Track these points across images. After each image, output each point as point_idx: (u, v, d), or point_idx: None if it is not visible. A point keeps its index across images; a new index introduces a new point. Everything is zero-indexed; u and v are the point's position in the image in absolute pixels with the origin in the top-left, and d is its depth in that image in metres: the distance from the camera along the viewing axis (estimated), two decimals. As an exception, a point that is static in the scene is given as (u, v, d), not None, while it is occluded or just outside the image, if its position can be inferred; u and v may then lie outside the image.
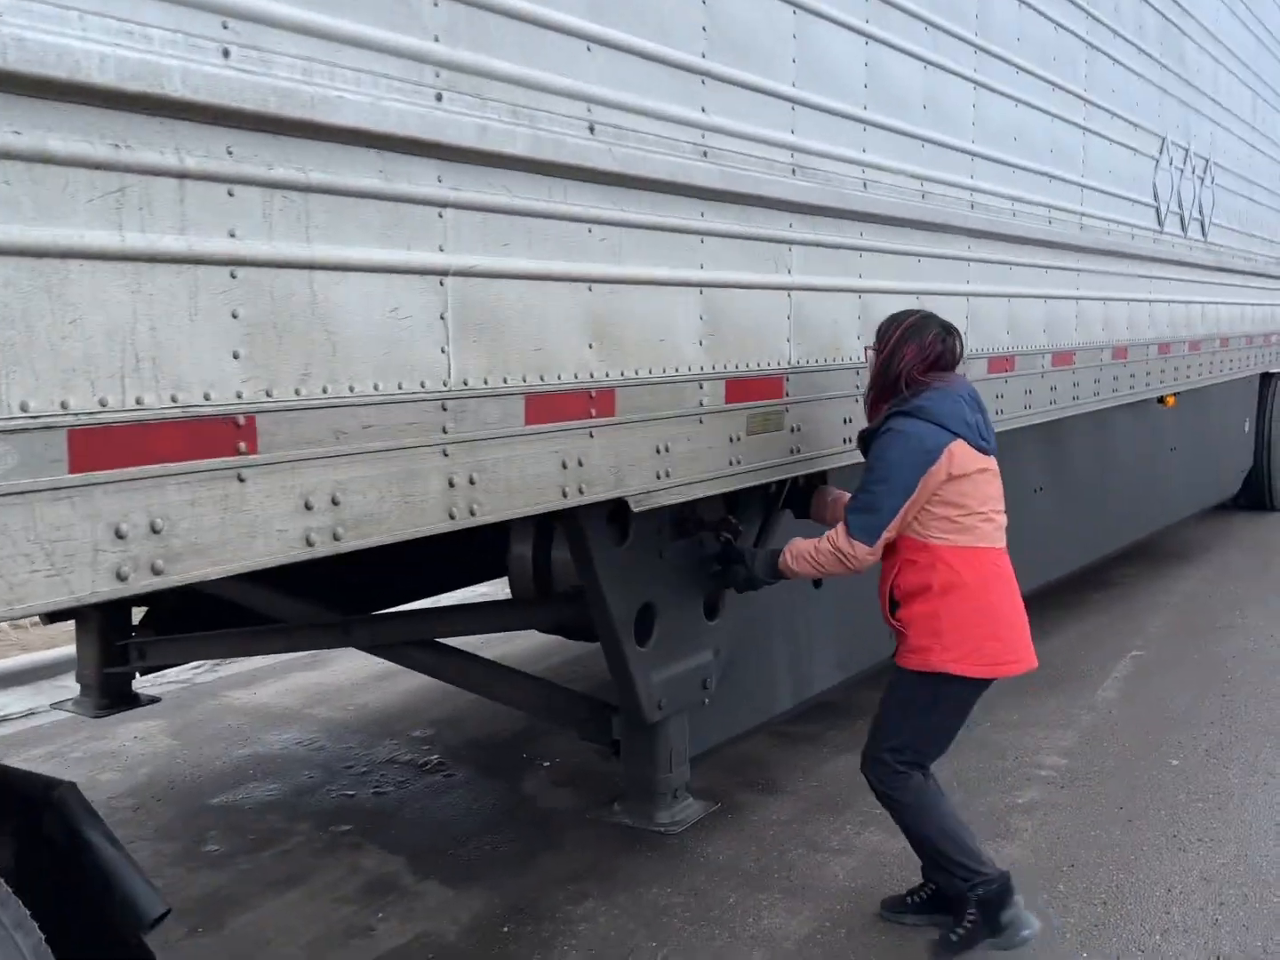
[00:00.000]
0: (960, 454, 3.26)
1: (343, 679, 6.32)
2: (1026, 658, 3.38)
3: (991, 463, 3.37)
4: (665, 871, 4.00)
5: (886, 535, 3.25)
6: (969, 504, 3.27)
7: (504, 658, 6.31)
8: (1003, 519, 3.40)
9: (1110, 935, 3.55)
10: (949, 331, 3.39)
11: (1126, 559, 8.47)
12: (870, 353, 3.47)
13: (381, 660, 6.33)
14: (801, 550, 3.41)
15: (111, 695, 4.81)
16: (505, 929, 3.65)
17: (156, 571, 1.88)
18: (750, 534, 4.01)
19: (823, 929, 3.62)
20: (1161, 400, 7.65)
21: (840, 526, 3.29)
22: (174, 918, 3.75)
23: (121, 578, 1.83)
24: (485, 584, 6.55)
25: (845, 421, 3.93)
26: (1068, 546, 6.84)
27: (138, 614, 4.88)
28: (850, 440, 3.90)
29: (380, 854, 4.20)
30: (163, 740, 5.41)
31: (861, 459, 3.51)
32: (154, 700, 5.12)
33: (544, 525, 4.29)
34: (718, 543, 3.76)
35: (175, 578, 1.91)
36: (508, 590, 4.60)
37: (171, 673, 6.24)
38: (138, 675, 4.93)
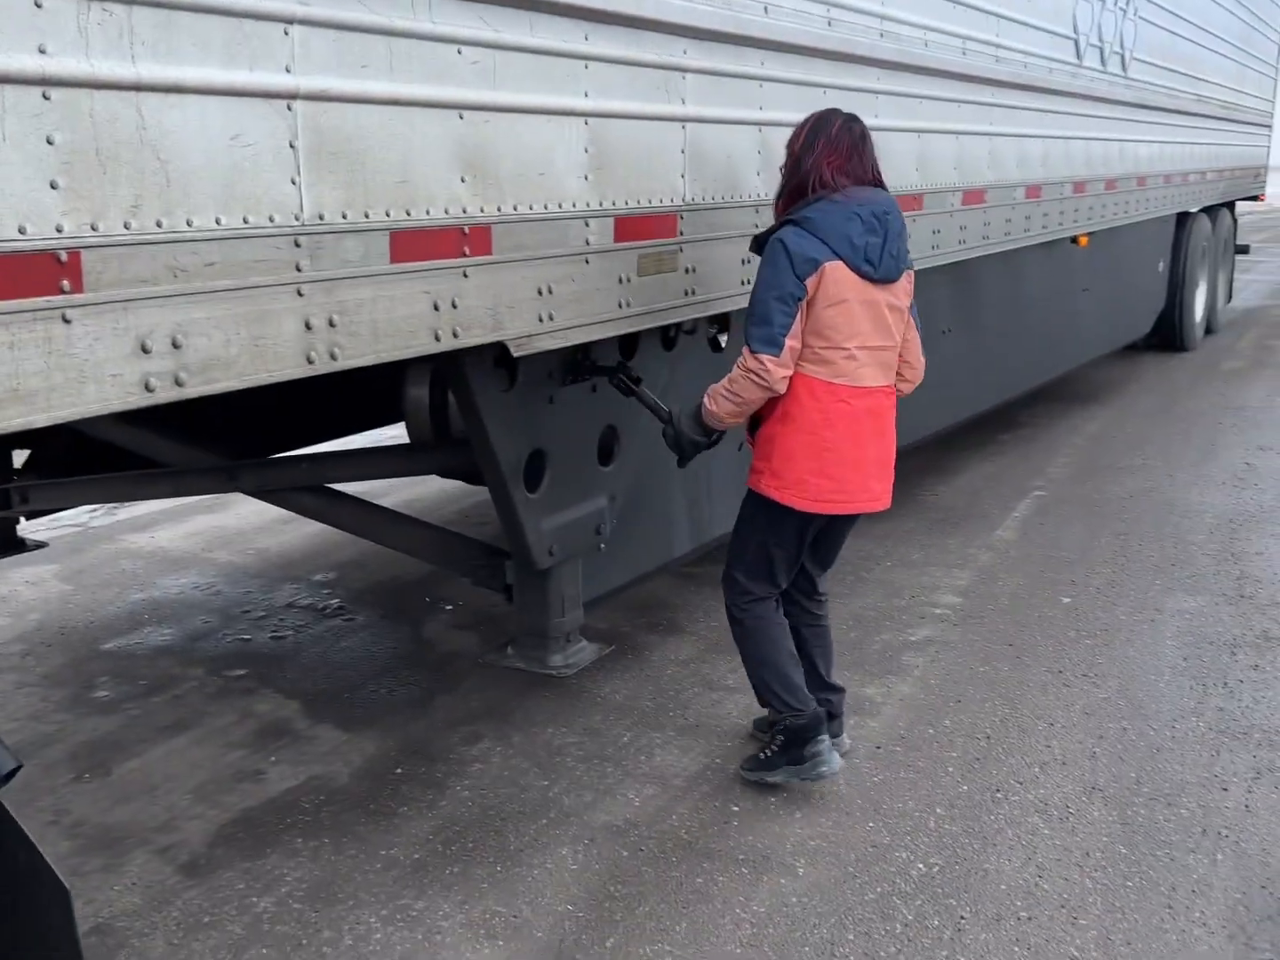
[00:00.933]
0: (834, 277, 3.11)
1: (244, 523, 6.22)
2: (860, 499, 3.32)
3: (875, 293, 3.18)
4: (561, 712, 4.03)
5: (790, 344, 3.10)
6: (833, 336, 3.15)
7: (409, 504, 6.28)
8: (882, 356, 3.25)
9: (992, 768, 3.65)
10: (854, 119, 3.25)
11: (1036, 400, 8.54)
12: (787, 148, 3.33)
13: (283, 504, 6.26)
14: (717, 389, 3.28)
15: (-3, 541, 4.68)
16: (398, 770, 3.67)
17: (-28, 419, 1.76)
18: (656, 385, 3.92)
19: (713, 765, 3.68)
20: (1074, 240, 7.60)
21: (744, 351, 3.17)
22: (60, 763, 3.73)
23: (-69, 426, 1.71)
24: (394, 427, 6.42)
25: (744, 263, 3.82)
26: (976, 388, 6.85)
27: (20, 459, 4.71)
28: (748, 282, 3.80)
29: (274, 698, 4.18)
30: (55, 585, 5.30)
31: None
32: (40, 545, 4.99)
33: (441, 368, 4.17)
34: (616, 388, 3.65)
35: (-4, 425, 1.79)
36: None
37: (66, 516, 6.11)
38: (22, 520, 4.78)
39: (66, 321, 1.87)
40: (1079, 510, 6.28)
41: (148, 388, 2.00)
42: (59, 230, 1.85)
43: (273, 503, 4.35)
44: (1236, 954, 2.80)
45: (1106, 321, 9.09)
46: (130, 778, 3.65)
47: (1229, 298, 13.13)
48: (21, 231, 1.80)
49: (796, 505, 3.26)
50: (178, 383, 2.05)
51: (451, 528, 4.76)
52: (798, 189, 3.20)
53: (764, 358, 3.10)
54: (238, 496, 6.47)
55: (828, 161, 3.17)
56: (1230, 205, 12.55)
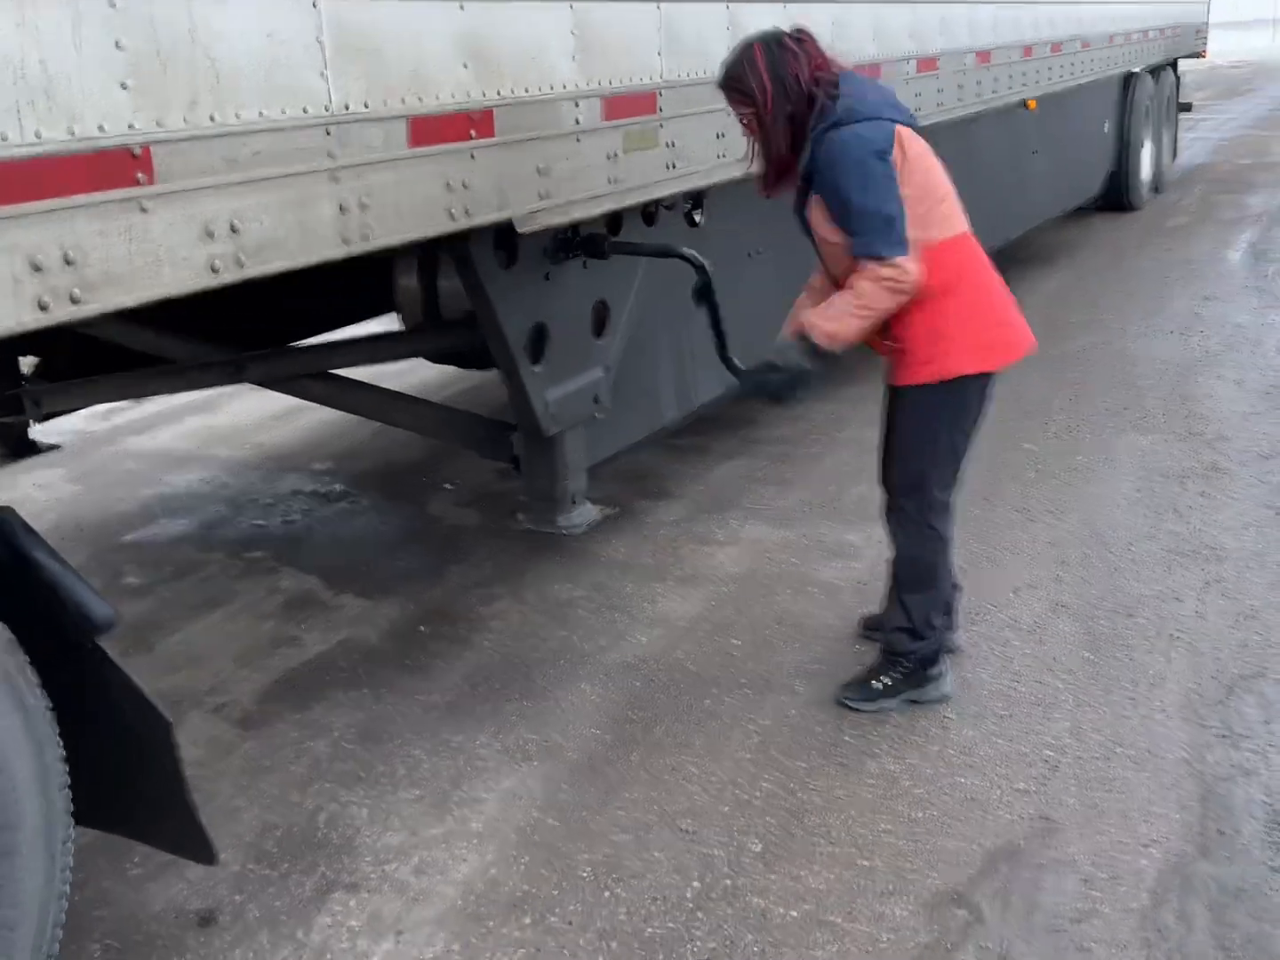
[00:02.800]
0: (908, 138, 3.00)
1: (238, 420, 6.43)
2: (1029, 335, 3.22)
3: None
4: (568, 571, 4.33)
5: (910, 235, 2.94)
6: (935, 190, 3.05)
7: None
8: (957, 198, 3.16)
9: (969, 595, 3.94)
10: (781, 33, 3.07)
11: (994, 262, 8.80)
12: (747, 117, 3.08)
13: (273, 402, 6.48)
14: (834, 313, 2.99)
15: (10, 445, 4.88)
16: (422, 629, 3.97)
17: (75, 300, 1.98)
18: (639, 261, 4.12)
19: (711, 608, 4.00)
20: (1024, 104, 7.79)
21: (866, 266, 2.93)
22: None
23: (43, 308, 1.93)
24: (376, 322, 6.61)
25: (718, 136, 4.03)
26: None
27: (27, 365, 4.89)
28: (725, 155, 4.02)
29: (296, 574, 4.45)
30: (65, 487, 5.52)
31: (737, 175, 3.55)
32: (54, 448, 5.19)
33: (429, 255, 4.37)
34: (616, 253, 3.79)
35: (94, 306, 2.02)
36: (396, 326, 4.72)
37: (64, 423, 6.25)
38: (33, 424, 4.98)
39: (144, 210, 2.09)
40: (1038, 365, 6.55)
41: (214, 269, 2.23)
42: (131, 127, 2.06)
43: (281, 391, 4.57)
44: (1191, 732, 3.18)
45: (1057, 184, 9.31)
46: (174, 650, 3.93)
47: (1174, 156, 13.37)
48: (101, 129, 2.01)
49: (991, 367, 3.12)
50: (239, 264, 2.28)
51: (448, 408, 4.99)
52: (801, 111, 3.00)
53: (899, 260, 2.91)
54: (228, 397, 6.68)
55: (814, 70, 3.00)
56: (1173, 64, 12.70)
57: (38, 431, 5.39)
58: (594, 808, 2.99)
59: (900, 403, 3.22)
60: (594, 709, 3.44)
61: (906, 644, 3.33)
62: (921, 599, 3.31)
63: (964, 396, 3.15)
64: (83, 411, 5.47)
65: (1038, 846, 2.79)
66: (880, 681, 3.36)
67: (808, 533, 4.54)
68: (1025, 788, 2.99)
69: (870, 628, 3.68)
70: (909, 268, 2.93)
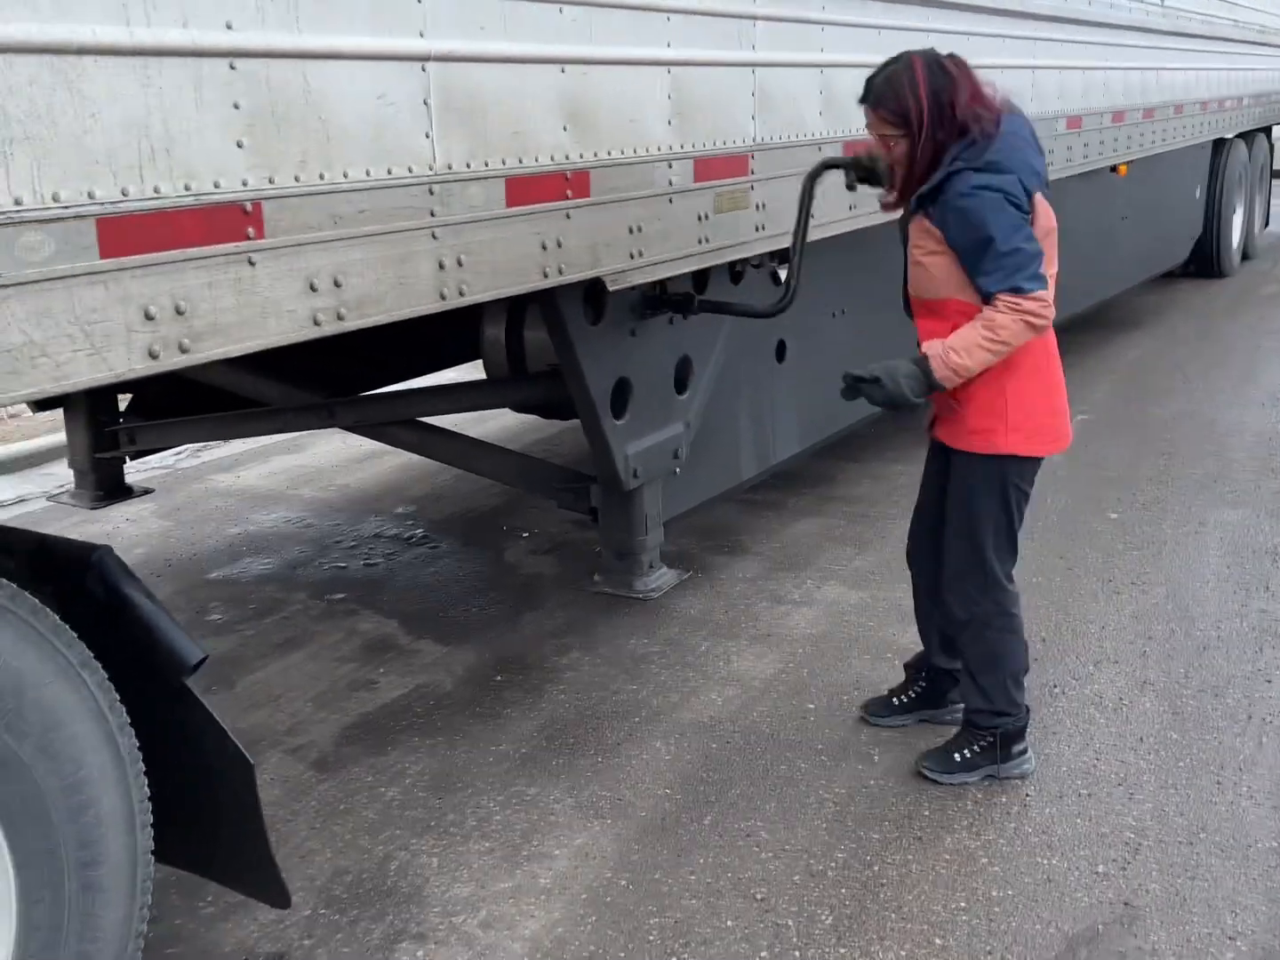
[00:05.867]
0: (1041, 208, 3.00)
1: (323, 462, 6.54)
2: (1070, 432, 3.24)
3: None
4: (642, 626, 4.33)
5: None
6: (1045, 268, 2.98)
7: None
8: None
9: (1049, 667, 3.92)
10: (941, 54, 3.01)
11: (1078, 327, 8.71)
12: (893, 139, 2.98)
13: (359, 444, 6.59)
14: (961, 344, 2.93)
15: (106, 486, 5.02)
16: (498, 678, 3.98)
17: (183, 350, 2.04)
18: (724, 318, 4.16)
19: (787, 669, 3.97)
20: (1114, 169, 7.74)
21: (999, 298, 2.89)
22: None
23: (153, 356, 1.99)
24: (454, 369, 6.70)
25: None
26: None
27: (123, 402, 5.03)
28: (814, 217, 4.03)
29: (375, 618, 4.50)
30: (154, 522, 5.64)
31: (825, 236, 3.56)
32: (147, 491, 5.33)
33: (516, 307, 4.44)
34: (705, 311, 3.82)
35: (200, 355, 2.07)
36: (480, 375, 4.79)
37: (154, 460, 6.42)
38: (128, 460, 5.11)
39: (251, 264, 2.15)
40: (1123, 431, 6.50)
41: (315, 321, 2.29)
42: (244, 184, 2.12)
43: (369, 436, 4.65)
44: (1280, 821, 3.09)
45: (1145, 248, 9.23)
46: (254, 689, 3.98)
47: (1266, 223, 13.17)
48: (216, 185, 2.07)
49: (1045, 452, 3.12)
50: (339, 317, 2.33)
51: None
52: (950, 139, 2.93)
53: (1042, 293, 2.90)
54: (314, 439, 6.82)
55: (973, 97, 2.93)
56: (1266, 130, 12.56)
57: (131, 469, 5.54)
58: (665, 869, 2.97)
59: (956, 473, 3.20)
60: (667, 768, 3.42)
61: (988, 720, 3.28)
62: (997, 679, 3.25)
63: (1020, 476, 3.15)
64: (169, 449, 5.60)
65: (1118, 933, 2.71)
66: (961, 754, 3.30)
67: (885, 596, 4.50)
68: (1106, 871, 2.92)
69: (914, 668, 3.63)
70: (1049, 301, 2.92)
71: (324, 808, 3.29)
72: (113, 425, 4.83)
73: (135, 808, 2.15)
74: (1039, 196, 3.00)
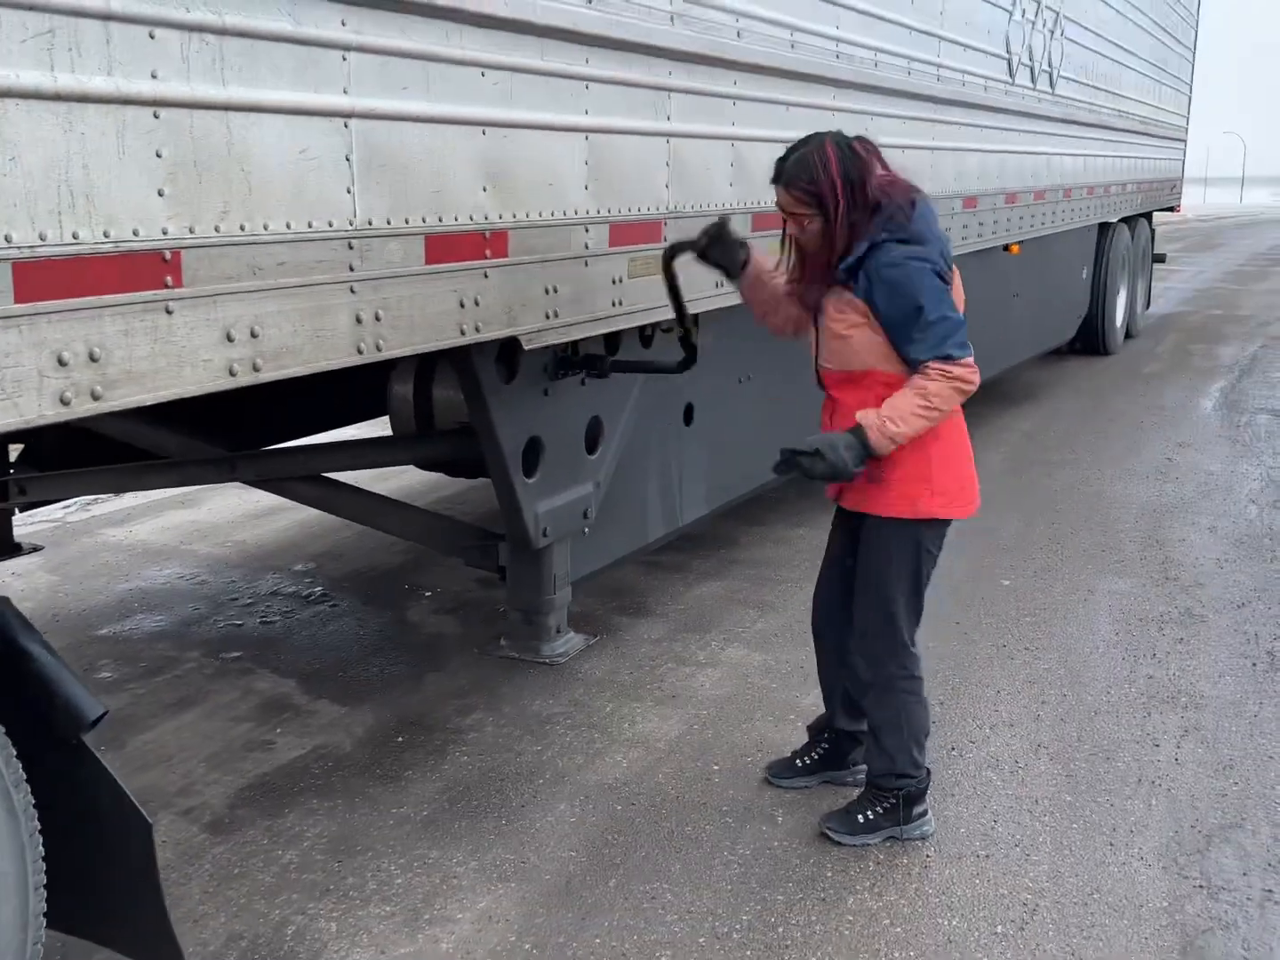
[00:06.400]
0: (956, 282, 3.13)
1: (218, 517, 6.41)
2: (978, 498, 3.30)
3: None
4: (546, 686, 4.30)
5: None
6: None
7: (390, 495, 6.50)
8: None
9: (947, 730, 3.98)
10: (847, 136, 3.08)
11: (971, 401, 8.95)
12: (806, 218, 3.04)
13: (255, 500, 6.49)
14: (896, 413, 2.98)
15: (-7, 544, 4.87)
16: (399, 739, 3.92)
17: (95, 397, 2.01)
18: (634, 381, 4.21)
19: (691, 731, 3.98)
20: (1006, 248, 8.02)
21: (929, 366, 2.96)
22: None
23: (64, 402, 1.96)
24: (358, 425, 6.65)
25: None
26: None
27: (14, 451, 4.89)
28: (722, 285, 4.11)
29: (272, 677, 4.41)
30: (42, 576, 5.47)
31: (733, 303, 3.62)
32: (36, 549, 5.18)
33: (424, 365, 4.44)
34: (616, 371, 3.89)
35: (113, 403, 2.04)
36: (386, 431, 4.77)
37: (42, 513, 6.25)
38: (16, 511, 4.96)
39: (169, 312, 2.13)
40: (1015, 501, 6.68)
41: (231, 372, 2.26)
42: (164, 232, 2.10)
43: (271, 491, 4.58)
44: (1170, 883, 3.16)
45: (1035, 326, 9.56)
46: (145, 749, 3.86)
47: (1148, 304, 13.74)
48: (135, 233, 2.05)
49: (961, 514, 3.21)
50: (255, 368, 2.31)
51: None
52: (864, 217, 3.01)
53: (969, 360, 3.01)
54: (208, 493, 6.69)
55: (882, 177, 3.04)
56: (1148, 215, 13.14)
57: (19, 521, 5.37)
58: (570, 933, 2.94)
59: (866, 537, 3.25)
60: (571, 830, 3.39)
61: (891, 782, 3.32)
62: (901, 740, 3.30)
63: (934, 537, 3.23)
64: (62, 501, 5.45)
65: (1018, 993, 2.75)
66: (864, 815, 3.33)
67: (788, 658, 4.54)
68: (1005, 931, 2.96)
69: (817, 730, 3.66)
70: (976, 369, 3.02)
71: (218, 871, 3.20)
72: (2, 476, 4.69)
73: (29, 868, 2.07)
74: (955, 271, 3.13)
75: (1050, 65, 7.99)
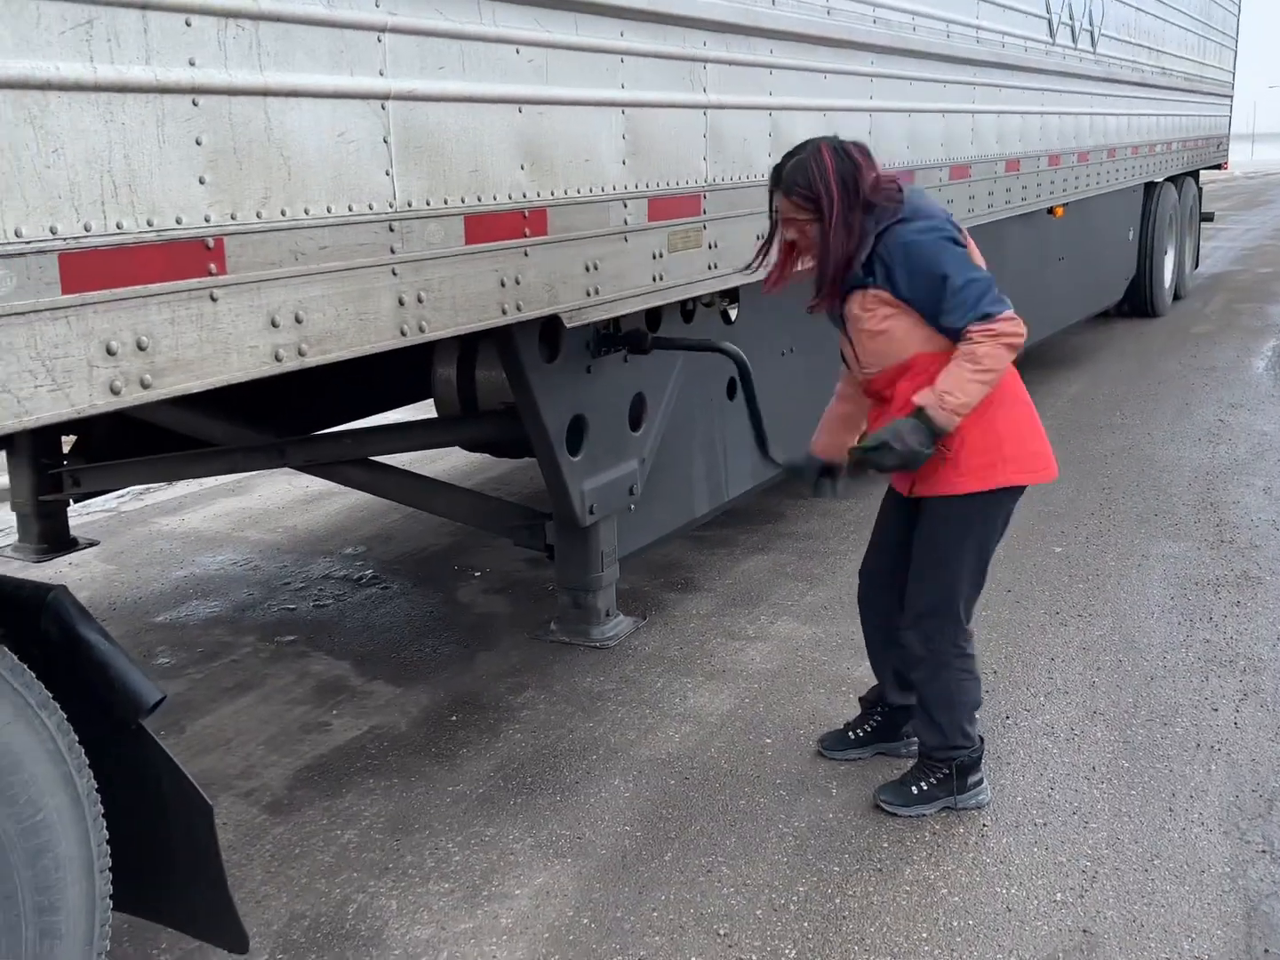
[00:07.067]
0: (973, 248, 3.09)
1: (269, 504, 6.48)
2: (1055, 462, 3.26)
3: None
4: (597, 663, 4.32)
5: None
6: None
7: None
8: None
9: (1000, 699, 3.96)
10: (840, 140, 3.09)
11: (1018, 365, 8.87)
12: (803, 223, 3.05)
13: (305, 486, 6.55)
14: (952, 384, 2.94)
15: (50, 538, 4.95)
16: (453, 718, 3.95)
17: (145, 385, 2.03)
18: (675, 357, 4.20)
19: (742, 705, 3.98)
20: (1051, 211, 7.92)
21: (970, 330, 2.92)
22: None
23: (115, 391, 1.98)
24: (403, 409, 6.69)
25: (758, 238, 4.09)
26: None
27: (68, 444, 4.96)
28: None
29: (327, 660, 4.45)
30: (98, 565, 5.55)
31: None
32: (93, 544, 5.26)
33: (467, 346, 4.45)
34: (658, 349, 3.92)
35: (162, 391, 2.06)
36: (431, 413, 4.78)
37: (97, 503, 6.34)
38: (71, 503, 5.03)
39: (214, 300, 2.14)
40: (1065, 467, 6.53)
41: (277, 357, 2.28)
42: (207, 220, 2.12)
43: (320, 476, 4.62)
44: (1232, 847, 3.13)
45: (1081, 289, 9.43)
46: (204, 733, 3.92)
47: (1196, 264, 13.52)
48: (178, 221, 2.07)
49: (1039, 479, 3.17)
50: (300, 353, 2.33)
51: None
52: (860, 219, 3.01)
53: (1009, 313, 2.94)
54: (259, 480, 6.75)
55: (875, 180, 3.03)
56: (1195, 174, 12.92)
57: (74, 512, 5.45)
58: (627, 907, 2.95)
59: (931, 515, 3.20)
60: (626, 805, 3.40)
61: (944, 754, 3.30)
62: (953, 715, 3.28)
63: (1003, 508, 3.18)
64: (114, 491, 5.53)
65: (1079, 960, 2.74)
66: (917, 787, 3.31)
67: (838, 630, 4.53)
68: (1064, 899, 2.95)
69: (869, 702, 3.65)
70: (1018, 319, 2.95)
71: (279, 851, 3.24)
72: (56, 467, 4.76)
73: (94, 851, 2.11)
74: (967, 235, 3.09)
75: (1091, 24, 7.85)
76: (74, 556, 5.60)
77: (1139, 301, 11.24)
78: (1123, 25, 8.64)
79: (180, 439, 4.69)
